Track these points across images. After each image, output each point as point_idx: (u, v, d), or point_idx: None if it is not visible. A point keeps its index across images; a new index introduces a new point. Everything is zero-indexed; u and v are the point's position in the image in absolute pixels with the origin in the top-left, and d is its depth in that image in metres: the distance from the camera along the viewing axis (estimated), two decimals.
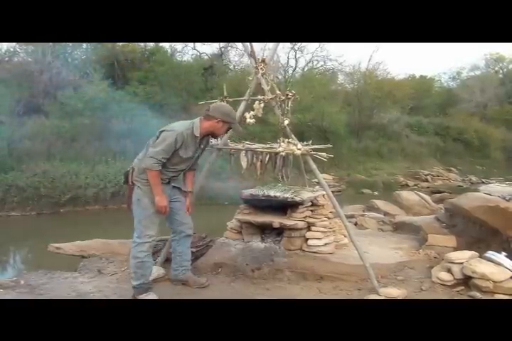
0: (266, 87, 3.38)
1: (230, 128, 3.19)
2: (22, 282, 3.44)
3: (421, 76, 28.52)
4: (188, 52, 20.79)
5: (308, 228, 3.92)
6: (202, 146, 3.14)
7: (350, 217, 6.19)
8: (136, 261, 2.98)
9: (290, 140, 3.35)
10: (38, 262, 5.66)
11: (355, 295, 3.21)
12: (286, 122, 3.27)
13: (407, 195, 8.91)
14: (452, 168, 19.81)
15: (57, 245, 4.22)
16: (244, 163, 3.56)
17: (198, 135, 3.00)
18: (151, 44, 18.29)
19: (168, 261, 3.54)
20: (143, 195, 2.95)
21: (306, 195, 3.92)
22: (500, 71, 29.08)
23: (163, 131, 2.97)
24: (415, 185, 16.20)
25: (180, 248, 3.30)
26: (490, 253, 3.40)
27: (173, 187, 3.16)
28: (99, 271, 3.76)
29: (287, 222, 3.81)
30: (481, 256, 3.41)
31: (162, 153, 2.87)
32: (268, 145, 3.59)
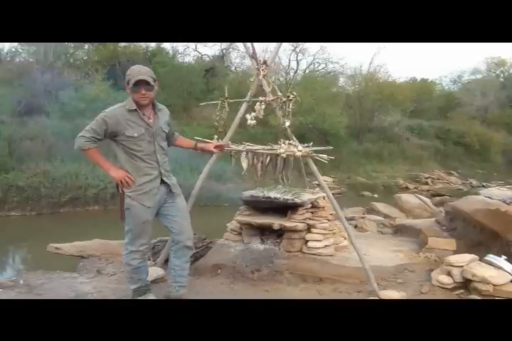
0: (267, 89, 3.38)
1: (136, 85, 2.64)
2: (21, 282, 3.44)
3: (422, 79, 28.60)
4: (189, 53, 20.89)
5: (309, 230, 3.91)
6: (152, 120, 2.77)
7: (350, 219, 6.19)
8: (130, 268, 2.88)
9: (291, 141, 3.34)
10: (37, 262, 5.66)
11: (355, 298, 3.21)
12: (287, 124, 3.27)
13: (408, 198, 8.92)
14: (453, 172, 19.83)
15: (56, 245, 4.22)
16: (244, 165, 3.55)
17: (134, 107, 2.69)
18: (153, 45, 18.39)
19: (168, 261, 3.53)
20: (131, 203, 2.75)
21: (306, 196, 3.91)
22: (502, 75, 29.12)
23: None
24: (415, 188, 16.23)
25: (177, 261, 3.00)
26: (490, 257, 3.39)
27: (167, 190, 2.89)
28: (99, 271, 3.76)
29: (287, 223, 3.80)
30: (481, 260, 3.40)
31: (92, 132, 2.66)
32: (269, 147, 3.59)
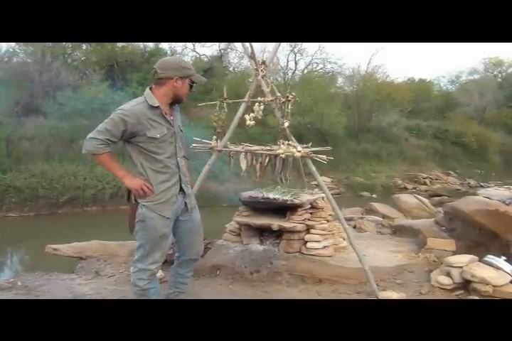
0: (266, 89, 3.37)
1: (193, 83, 2.51)
2: (19, 283, 3.43)
3: (420, 79, 28.69)
4: (187, 53, 20.80)
5: (308, 231, 3.90)
6: (173, 118, 2.47)
7: (349, 219, 6.19)
8: (136, 290, 2.52)
9: (290, 142, 3.34)
10: (35, 263, 5.65)
11: (354, 299, 3.20)
12: (286, 124, 3.26)
13: (406, 198, 8.93)
14: (451, 172, 19.84)
15: (54, 246, 4.20)
16: (243, 165, 3.55)
17: (157, 104, 2.37)
18: (151, 45, 18.32)
19: (167, 262, 3.51)
20: (148, 214, 2.40)
21: (305, 197, 3.91)
22: (499, 75, 29.20)
23: None
24: (414, 188, 16.23)
25: (180, 270, 2.80)
26: (489, 258, 3.39)
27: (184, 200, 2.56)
28: (97, 272, 3.75)
29: (286, 224, 3.80)
30: (480, 260, 3.40)
31: (107, 134, 2.30)
32: (268, 148, 3.58)
